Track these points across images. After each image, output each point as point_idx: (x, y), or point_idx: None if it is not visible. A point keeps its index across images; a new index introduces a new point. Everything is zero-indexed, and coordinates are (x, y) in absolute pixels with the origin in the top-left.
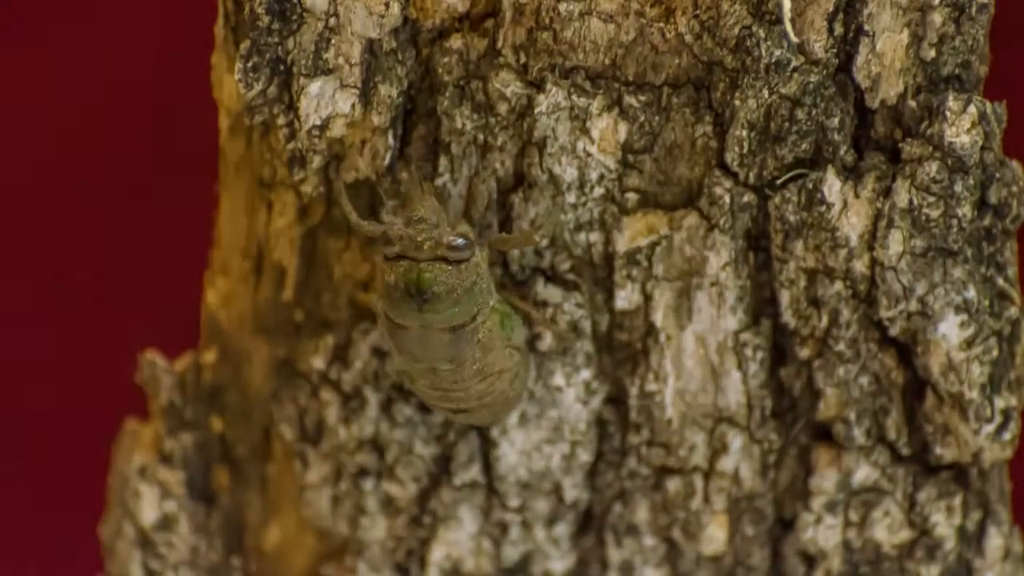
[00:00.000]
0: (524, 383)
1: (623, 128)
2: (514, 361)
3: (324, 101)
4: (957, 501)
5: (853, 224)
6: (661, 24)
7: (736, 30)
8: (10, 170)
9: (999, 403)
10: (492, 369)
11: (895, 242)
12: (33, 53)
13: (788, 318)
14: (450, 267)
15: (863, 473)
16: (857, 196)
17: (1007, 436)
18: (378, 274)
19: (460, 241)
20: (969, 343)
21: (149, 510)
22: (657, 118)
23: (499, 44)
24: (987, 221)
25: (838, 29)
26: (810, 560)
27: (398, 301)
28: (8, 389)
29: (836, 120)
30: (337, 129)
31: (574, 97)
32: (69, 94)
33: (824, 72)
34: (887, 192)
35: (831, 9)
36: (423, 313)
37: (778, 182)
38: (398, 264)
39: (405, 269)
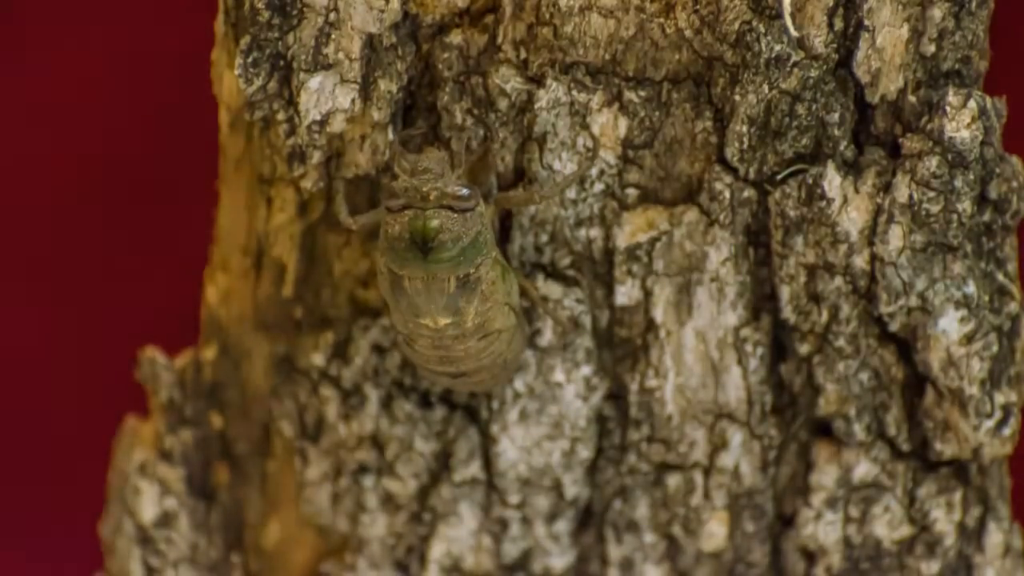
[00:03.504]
0: (520, 348)
1: (623, 123)
2: (511, 322)
3: (324, 96)
4: (957, 497)
5: (853, 219)
6: (661, 19)
7: (736, 25)
8: (9, 169)
9: (999, 399)
10: (492, 326)
11: (895, 237)
12: (32, 51)
13: (788, 314)
14: (456, 215)
15: (863, 469)
16: (857, 191)
17: (1007, 432)
18: (381, 228)
19: (465, 191)
20: (969, 339)
21: (149, 507)
22: (657, 113)
23: (499, 39)
24: (987, 216)
25: (838, 24)
26: (810, 556)
27: (403, 251)
28: (8, 388)
29: (836, 115)
30: (337, 124)
31: (574, 92)
32: (68, 91)
33: (824, 67)
34: (887, 187)
35: (831, 4)
36: (428, 263)
37: (778, 177)
38: (403, 214)
39: (411, 218)
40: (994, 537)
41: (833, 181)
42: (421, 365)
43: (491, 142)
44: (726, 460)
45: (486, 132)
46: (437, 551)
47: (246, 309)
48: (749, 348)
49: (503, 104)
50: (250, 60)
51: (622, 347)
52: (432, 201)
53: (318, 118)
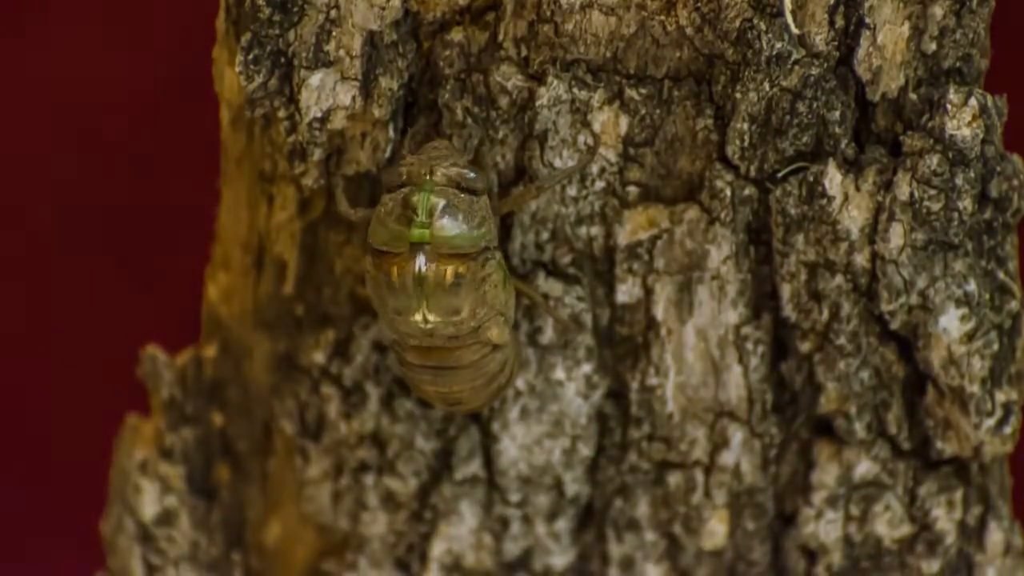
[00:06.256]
0: (512, 372)
1: (624, 121)
2: (505, 337)
3: (325, 93)
4: (958, 496)
5: (854, 217)
6: (662, 17)
7: (737, 23)
8: (10, 167)
9: (1000, 397)
10: (484, 335)
11: (896, 235)
12: (34, 49)
13: (789, 312)
14: (462, 194)
15: (864, 467)
16: (858, 189)
17: (1007, 430)
18: (373, 216)
19: (473, 174)
20: (970, 337)
21: (150, 505)
22: (658, 111)
23: (500, 37)
24: (988, 215)
25: (839, 22)
26: (811, 555)
27: (394, 224)
28: (8, 388)
29: (837, 113)
30: (338, 122)
31: (575, 90)
32: (69, 90)
33: (825, 65)
34: (888, 185)
35: (832, 2)
36: (426, 230)
37: (779, 175)
38: (400, 191)
39: (407, 192)
40: (995, 536)
41: (834, 179)
42: (414, 386)
43: (484, 144)
44: (727, 458)
45: (482, 136)
46: (438, 549)
47: (247, 307)
48: (750, 346)
49: (504, 102)
50: (251, 57)
51: (623, 345)
52: (438, 178)
53: (319, 115)
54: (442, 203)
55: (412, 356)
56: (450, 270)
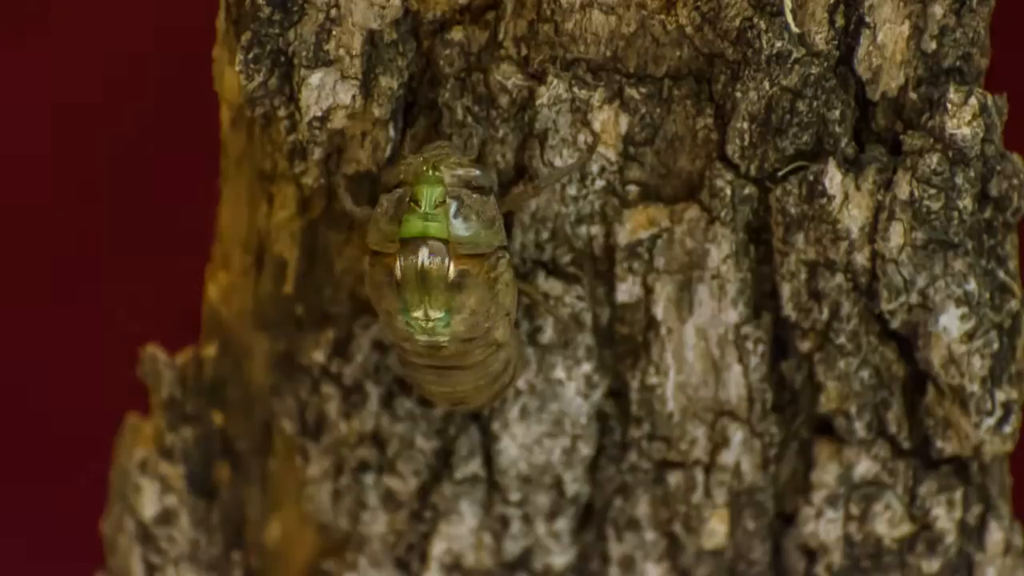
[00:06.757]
0: (515, 371)
1: (624, 120)
2: (507, 336)
3: (325, 92)
4: (958, 495)
5: (854, 216)
6: (662, 16)
7: (737, 22)
8: (10, 167)
9: (999, 396)
10: (492, 336)
11: (896, 234)
12: (34, 48)
13: (789, 311)
14: (474, 193)
15: (864, 467)
16: (858, 188)
17: (1007, 430)
18: (372, 218)
19: (480, 171)
20: (970, 336)
21: (150, 504)
22: (658, 110)
23: (500, 36)
24: (988, 214)
25: (839, 21)
26: (811, 554)
27: (388, 225)
28: (8, 388)
29: (837, 112)
30: (338, 121)
31: (575, 89)
32: (69, 90)
33: (825, 64)
34: (888, 184)
35: (832, 1)
36: (430, 223)
37: (779, 174)
38: (398, 189)
39: (410, 185)
40: (995, 535)
41: (834, 178)
42: (417, 385)
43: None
44: (727, 458)
45: (484, 136)
46: (438, 549)
47: (247, 306)
48: (750, 345)
49: (504, 101)
50: (251, 56)
51: (623, 344)
52: (448, 179)
53: (319, 114)
54: (455, 204)
55: (416, 356)
56: (454, 264)
